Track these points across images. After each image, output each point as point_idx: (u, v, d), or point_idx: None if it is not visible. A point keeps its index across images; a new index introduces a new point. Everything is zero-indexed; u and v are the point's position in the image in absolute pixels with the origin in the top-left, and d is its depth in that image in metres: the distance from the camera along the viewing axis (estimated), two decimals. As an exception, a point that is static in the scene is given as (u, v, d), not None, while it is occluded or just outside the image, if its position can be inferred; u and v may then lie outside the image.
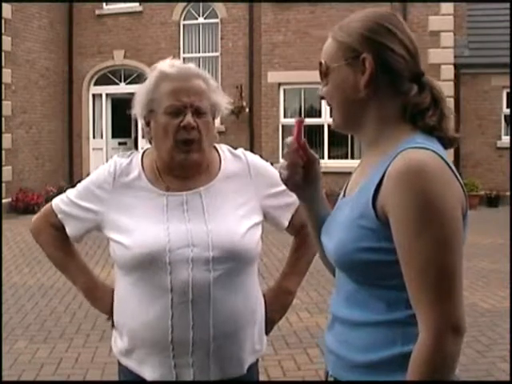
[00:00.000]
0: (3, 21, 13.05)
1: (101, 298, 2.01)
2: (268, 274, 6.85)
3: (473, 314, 5.57)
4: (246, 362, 1.89)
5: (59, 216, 1.96)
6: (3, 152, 12.96)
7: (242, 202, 1.89)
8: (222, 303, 1.79)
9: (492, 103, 14.19)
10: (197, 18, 15.11)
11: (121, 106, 15.84)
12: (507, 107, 14.16)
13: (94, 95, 15.77)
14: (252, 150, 2.97)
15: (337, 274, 1.49)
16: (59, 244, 2.02)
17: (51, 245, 2.03)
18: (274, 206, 1.95)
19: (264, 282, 5.32)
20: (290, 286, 2.07)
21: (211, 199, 1.86)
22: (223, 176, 1.91)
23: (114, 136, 15.89)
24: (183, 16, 15.09)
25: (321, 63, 1.46)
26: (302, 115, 14.30)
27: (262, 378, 2.22)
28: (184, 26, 15.13)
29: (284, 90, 14.31)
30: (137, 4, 15.21)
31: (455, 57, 13.95)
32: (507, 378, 4.16)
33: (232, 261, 1.81)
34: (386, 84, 1.38)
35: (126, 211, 1.86)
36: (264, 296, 2.01)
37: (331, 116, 1.50)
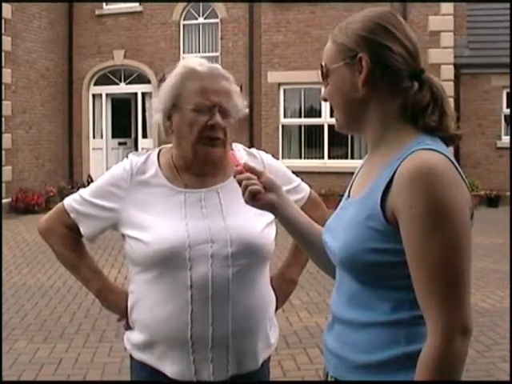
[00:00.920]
0: (3, 21, 13.05)
1: (114, 301, 2.01)
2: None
3: (473, 314, 5.57)
4: (261, 356, 1.93)
5: (72, 216, 1.95)
6: (3, 152, 12.96)
7: None
8: (240, 299, 1.82)
9: (492, 103, 14.19)
10: (197, 18, 15.11)
11: (121, 106, 15.87)
12: (507, 107, 14.15)
13: (93, 95, 15.77)
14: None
15: (338, 274, 1.48)
16: (71, 244, 2.01)
17: (63, 245, 2.01)
18: None
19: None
20: (293, 276, 2.13)
21: (228, 196, 1.88)
22: None
23: (113, 136, 15.88)
24: (183, 16, 15.08)
25: (321, 65, 1.48)
26: (302, 115, 14.32)
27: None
28: (184, 25, 15.13)
29: (284, 90, 14.31)
30: (137, 4, 15.21)
31: (455, 57, 13.95)
32: (507, 378, 4.16)
33: (250, 256, 1.83)
34: (384, 83, 1.39)
35: (145, 208, 1.87)
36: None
37: (331, 116, 1.52)
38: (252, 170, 1.57)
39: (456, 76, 13.94)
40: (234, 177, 1.57)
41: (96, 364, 4.60)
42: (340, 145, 14.06)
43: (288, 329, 5.25)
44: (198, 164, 1.88)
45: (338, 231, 1.43)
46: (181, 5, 14.93)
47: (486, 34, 14.63)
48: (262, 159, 2.00)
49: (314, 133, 14.20)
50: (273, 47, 14.12)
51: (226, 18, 14.76)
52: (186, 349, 1.82)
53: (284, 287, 2.11)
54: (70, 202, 1.98)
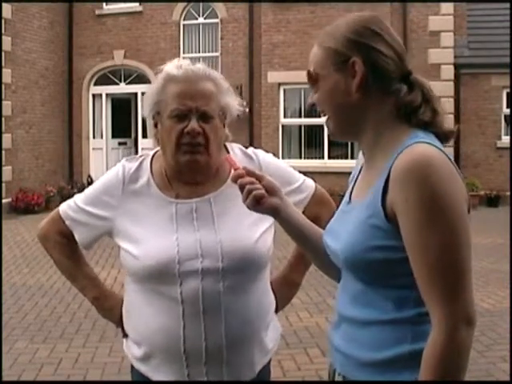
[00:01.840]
0: (3, 21, 13.05)
1: (110, 309, 1.99)
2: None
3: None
4: (258, 365, 1.89)
5: (67, 223, 1.92)
6: (3, 152, 12.96)
7: None
8: (234, 312, 1.77)
9: (492, 103, 14.19)
10: (197, 18, 15.11)
11: (121, 106, 15.87)
12: (507, 107, 14.15)
13: (93, 95, 15.77)
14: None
15: (343, 274, 1.48)
16: (67, 251, 1.98)
17: (59, 252, 1.99)
18: None
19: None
20: (296, 278, 2.07)
21: (221, 206, 1.82)
22: None
23: (113, 136, 15.88)
24: (183, 16, 15.08)
25: (309, 71, 1.45)
26: (302, 115, 14.32)
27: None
28: (184, 25, 15.13)
29: (284, 90, 14.31)
30: (137, 4, 15.21)
31: (455, 57, 13.95)
32: (507, 378, 4.16)
33: (243, 270, 1.78)
34: (376, 86, 1.38)
35: (135, 219, 1.82)
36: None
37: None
38: (252, 174, 1.52)
39: (456, 76, 13.95)
40: (234, 181, 1.49)
41: (96, 364, 4.60)
42: (340, 145, 14.05)
43: (288, 329, 5.25)
44: (184, 173, 1.82)
45: (340, 233, 1.42)
46: (181, 5, 14.93)
47: (486, 34, 14.63)
48: (258, 160, 1.91)
49: (313, 133, 14.19)
50: (273, 47, 14.12)
51: (226, 18, 14.76)
52: (180, 363, 1.79)
53: (286, 290, 2.06)
54: (65, 208, 1.95)
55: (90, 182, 13.03)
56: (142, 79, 15.02)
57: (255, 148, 2.00)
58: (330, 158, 14.17)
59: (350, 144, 14.04)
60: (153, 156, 1.92)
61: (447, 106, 13.86)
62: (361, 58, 1.37)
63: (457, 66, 13.95)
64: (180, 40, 15.06)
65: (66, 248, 1.97)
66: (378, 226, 1.32)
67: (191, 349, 1.76)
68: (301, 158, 14.29)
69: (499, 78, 13.83)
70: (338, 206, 1.58)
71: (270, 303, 1.94)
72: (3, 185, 13.00)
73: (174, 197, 1.83)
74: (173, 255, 1.75)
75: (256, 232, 1.81)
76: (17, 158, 13.61)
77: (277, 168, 1.93)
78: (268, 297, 1.93)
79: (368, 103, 1.39)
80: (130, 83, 15.52)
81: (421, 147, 1.28)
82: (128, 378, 2.03)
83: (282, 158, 13.72)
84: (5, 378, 4.29)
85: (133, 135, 16.03)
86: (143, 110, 1.88)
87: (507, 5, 13.78)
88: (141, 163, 1.90)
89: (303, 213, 1.95)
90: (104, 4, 15.48)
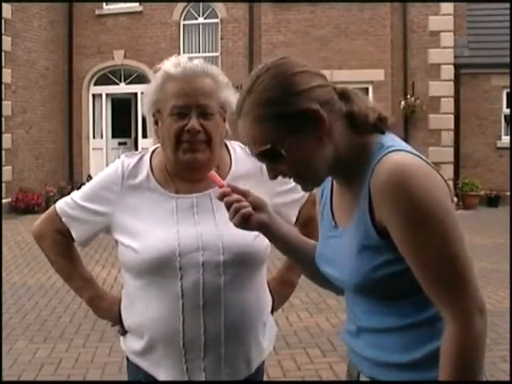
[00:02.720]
0: (3, 21, 13.05)
1: (106, 309, 1.98)
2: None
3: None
4: (255, 362, 1.89)
5: (64, 220, 1.90)
6: (3, 152, 12.96)
7: None
8: (233, 307, 1.77)
9: (492, 103, 14.19)
10: (197, 18, 15.11)
11: (121, 106, 15.87)
12: (507, 107, 14.16)
13: (93, 95, 15.77)
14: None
15: (350, 293, 1.47)
16: (63, 250, 1.96)
17: (55, 251, 1.96)
18: (284, 203, 1.91)
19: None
20: (292, 278, 2.07)
21: None
22: (234, 177, 1.84)
23: (113, 136, 15.88)
24: (183, 16, 15.09)
25: (263, 151, 1.33)
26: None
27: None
28: (184, 25, 15.13)
29: (284, 90, 14.29)
30: (137, 4, 15.21)
31: (455, 57, 13.95)
32: (507, 378, 4.16)
33: (243, 264, 1.78)
34: (332, 119, 1.34)
35: (135, 214, 1.82)
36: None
37: None
38: (238, 191, 1.46)
39: (456, 76, 13.95)
40: (220, 199, 1.46)
41: (96, 364, 4.59)
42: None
43: (288, 329, 5.25)
44: (184, 171, 1.81)
45: (339, 261, 1.41)
46: (181, 5, 14.93)
47: (486, 34, 14.63)
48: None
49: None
50: (273, 47, 14.11)
51: (226, 18, 14.76)
52: (178, 358, 1.79)
53: (282, 290, 2.06)
54: (61, 205, 1.92)
55: (90, 182, 12.98)
56: (142, 79, 15.02)
57: None
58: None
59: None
60: (153, 152, 1.92)
61: (447, 105, 13.88)
62: (315, 103, 1.31)
63: (457, 66, 13.96)
64: (180, 40, 15.06)
65: (62, 247, 1.95)
66: (373, 245, 1.32)
67: (190, 343, 1.77)
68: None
69: (499, 78, 13.84)
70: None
71: (266, 301, 1.94)
72: (3, 185, 13.01)
73: (174, 192, 1.83)
74: (174, 248, 1.75)
75: None
76: (17, 157, 13.62)
77: None
78: (265, 295, 1.93)
79: (332, 138, 1.34)
80: (130, 83, 15.52)
81: (389, 159, 1.28)
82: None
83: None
84: (5, 378, 4.29)
85: (133, 135, 16.03)
86: (143, 107, 1.88)
87: (507, 5, 13.78)
88: (140, 159, 1.89)
89: (298, 216, 1.96)
90: (104, 4, 15.48)
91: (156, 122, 1.84)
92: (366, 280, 1.35)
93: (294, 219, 1.96)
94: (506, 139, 14.05)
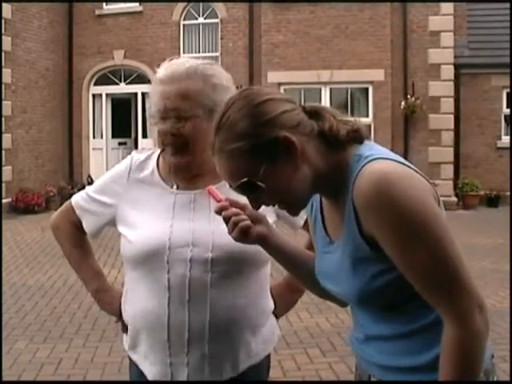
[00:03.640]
0: (3, 21, 13.05)
1: (108, 302, 2.04)
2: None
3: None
4: (242, 365, 1.87)
5: (77, 212, 1.99)
6: (3, 152, 12.96)
7: None
8: (220, 305, 1.78)
9: (492, 103, 14.19)
10: (197, 18, 15.11)
11: (121, 106, 15.87)
12: (507, 107, 14.16)
13: (93, 95, 15.77)
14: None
15: (354, 305, 1.48)
16: (76, 241, 2.05)
17: (68, 242, 2.05)
18: None
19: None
20: (299, 284, 2.05)
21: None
22: None
23: (113, 136, 15.88)
24: (183, 16, 15.09)
25: (240, 185, 1.34)
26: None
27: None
28: (184, 26, 15.13)
29: (284, 90, 14.30)
30: (137, 4, 15.21)
31: (455, 57, 13.95)
32: (507, 378, 4.16)
33: (232, 263, 1.78)
34: (304, 140, 1.33)
35: (136, 206, 1.88)
36: (270, 290, 1.97)
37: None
38: (236, 204, 1.46)
39: (456, 76, 13.95)
40: (218, 213, 1.46)
41: (96, 364, 4.60)
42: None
43: (288, 329, 5.25)
44: (175, 171, 1.88)
45: (336, 276, 1.41)
46: (181, 5, 14.93)
47: (486, 34, 14.63)
48: None
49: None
50: (273, 47, 14.12)
51: (226, 18, 14.76)
52: (163, 351, 1.81)
53: (288, 296, 2.04)
54: (77, 198, 2.02)
55: (90, 182, 13.03)
56: (142, 79, 15.02)
57: None
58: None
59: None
60: (161, 151, 1.96)
61: (447, 106, 13.88)
62: (284, 131, 1.30)
63: (457, 66, 13.95)
64: (180, 40, 15.06)
65: (75, 238, 2.04)
66: (366, 257, 1.32)
67: (175, 337, 1.79)
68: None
69: (499, 78, 13.84)
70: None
71: (264, 305, 1.92)
72: (3, 185, 13.00)
73: (174, 188, 1.89)
74: (164, 241, 1.78)
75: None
76: (17, 157, 13.61)
77: None
78: (262, 298, 1.91)
79: (307, 160, 1.34)
80: (129, 83, 15.52)
81: (369, 169, 1.28)
82: (128, 378, 2.03)
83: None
84: (5, 378, 4.29)
85: (133, 135, 16.03)
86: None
87: (507, 5, 13.79)
88: (149, 155, 1.97)
89: (306, 220, 1.95)
90: (104, 4, 15.48)
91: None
92: (365, 292, 1.35)
93: (302, 222, 1.93)
94: (505, 139, 14.05)
